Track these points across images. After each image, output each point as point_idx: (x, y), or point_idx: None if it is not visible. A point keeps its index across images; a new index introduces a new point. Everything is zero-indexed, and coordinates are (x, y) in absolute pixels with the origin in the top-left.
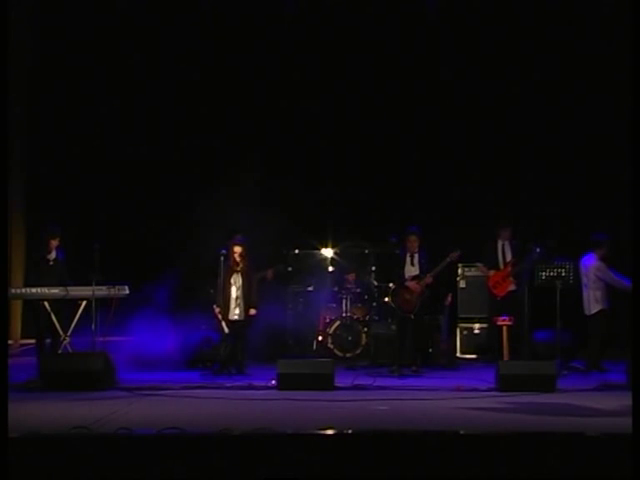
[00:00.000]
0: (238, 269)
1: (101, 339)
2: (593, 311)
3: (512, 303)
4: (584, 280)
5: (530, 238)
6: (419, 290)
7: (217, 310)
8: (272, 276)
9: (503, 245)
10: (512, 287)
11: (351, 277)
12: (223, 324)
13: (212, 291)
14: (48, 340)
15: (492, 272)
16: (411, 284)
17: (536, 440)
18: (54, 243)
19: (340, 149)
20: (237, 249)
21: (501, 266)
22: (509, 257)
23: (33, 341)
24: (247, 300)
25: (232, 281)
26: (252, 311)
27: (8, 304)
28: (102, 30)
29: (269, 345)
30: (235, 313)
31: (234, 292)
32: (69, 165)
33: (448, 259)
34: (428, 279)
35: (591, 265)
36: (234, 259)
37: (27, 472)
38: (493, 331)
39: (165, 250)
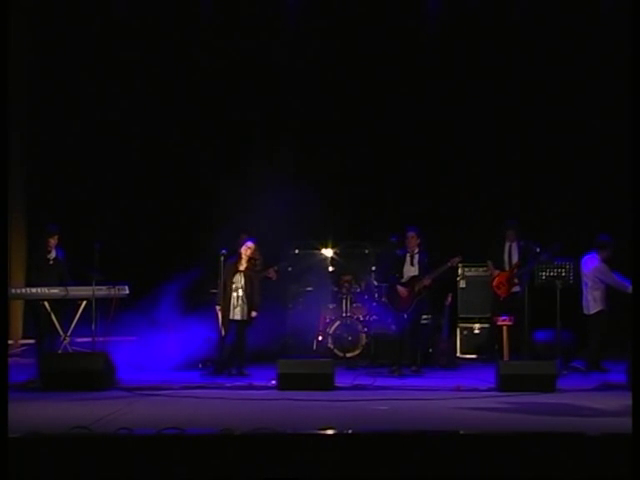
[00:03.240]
0: (242, 269)
1: (101, 339)
2: (592, 311)
3: (514, 304)
4: (584, 280)
5: (535, 240)
6: (407, 295)
7: (218, 309)
8: (275, 275)
9: (510, 246)
10: (516, 288)
11: (347, 279)
12: (221, 326)
13: (213, 291)
14: (48, 340)
15: (497, 272)
16: (400, 289)
17: (536, 440)
18: (53, 242)
19: (340, 149)
20: (250, 246)
21: (506, 267)
22: (515, 259)
23: (33, 341)
24: (249, 301)
25: (234, 280)
26: (253, 313)
27: (8, 304)
28: (104, 24)
29: (269, 345)
30: (236, 313)
31: (235, 292)
32: (69, 165)
33: (448, 264)
34: (426, 281)
35: (593, 266)
36: (241, 257)
37: (27, 472)
38: (494, 331)
39: (166, 250)
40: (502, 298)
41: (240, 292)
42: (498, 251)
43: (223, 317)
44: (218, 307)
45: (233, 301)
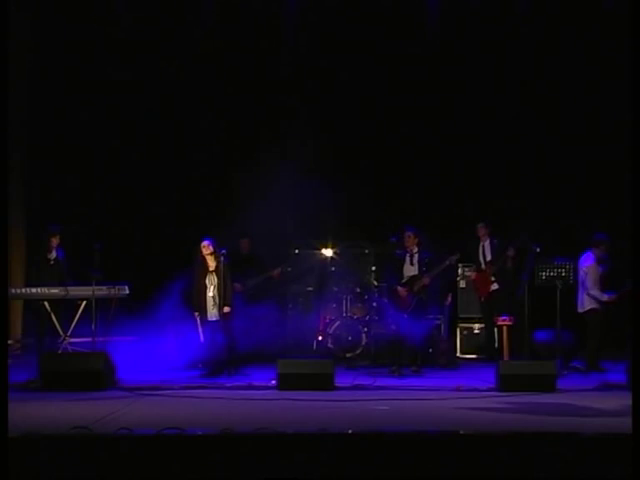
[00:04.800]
0: (211, 269)
1: (101, 339)
2: (585, 309)
3: (497, 302)
4: (579, 278)
5: (507, 237)
6: (406, 295)
7: (196, 314)
8: (279, 275)
9: (483, 245)
10: (494, 287)
11: (350, 282)
12: (200, 329)
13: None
14: (48, 340)
15: (474, 273)
16: (400, 289)
17: (536, 440)
18: (55, 242)
19: (340, 149)
20: (206, 245)
21: (483, 267)
22: (489, 257)
23: (33, 341)
24: (222, 298)
25: (207, 282)
26: (226, 309)
27: (8, 304)
28: (105, 21)
29: (269, 345)
30: (213, 314)
31: (211, 292)
32: (69, 165)
33: (447, 262)
34: (425, 280)
35: (586, 265)
36: (204, 258)
37: (27, 472)
38: (490, 331)
39: (166, 250)
40: (483, 298)
41: (215, 291)
42: (474, 251)
43: (201, 320)
44: (196, 313)
45: (210, 302)
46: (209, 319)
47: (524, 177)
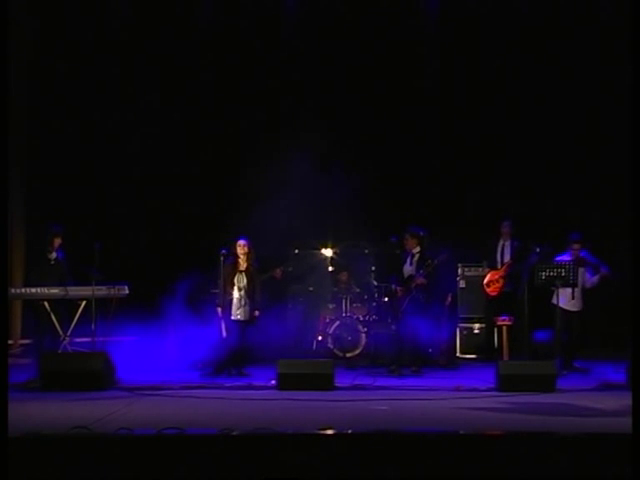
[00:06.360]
0: (242, 269)
1: (101, 339)
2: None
3: (506, 303)
4: None
5: (530, 239)
6: (402, 294)
7: (219, 311)
8: (280, 275)
9: (503, 245)
10: (506, 288)
11: (343, 276)
12: (223, 327)
13: (214, 291)
14: (48, 340)
15: (487, 270)
16: (397, 289)
17: (536, 440)
18: (58, 242)
19: (340, 149)
20: (242, 244)
21: (498, 265)
22: (507, 257)
23: (32, 341)
24: (252, 301)
25: (235, 281)
26: (256, 312)
27: (8, 304)
28: (105, 22)
29: (269, 345)
30: (238, 313)
31: (237, 292)
32: (69, 165)
33: (436, 261)
34: (418, 280)
35: None
36: (238, 258)
37: (27, 472)
38: (489, 331)
39: (166, 250)
40: (492, 297)
41: (242, 292)
42: (492, 249)
43: (224, 319)
44: (219, 309)
45: (235, 302)
46: (232, 318)
47: (524, 177)
